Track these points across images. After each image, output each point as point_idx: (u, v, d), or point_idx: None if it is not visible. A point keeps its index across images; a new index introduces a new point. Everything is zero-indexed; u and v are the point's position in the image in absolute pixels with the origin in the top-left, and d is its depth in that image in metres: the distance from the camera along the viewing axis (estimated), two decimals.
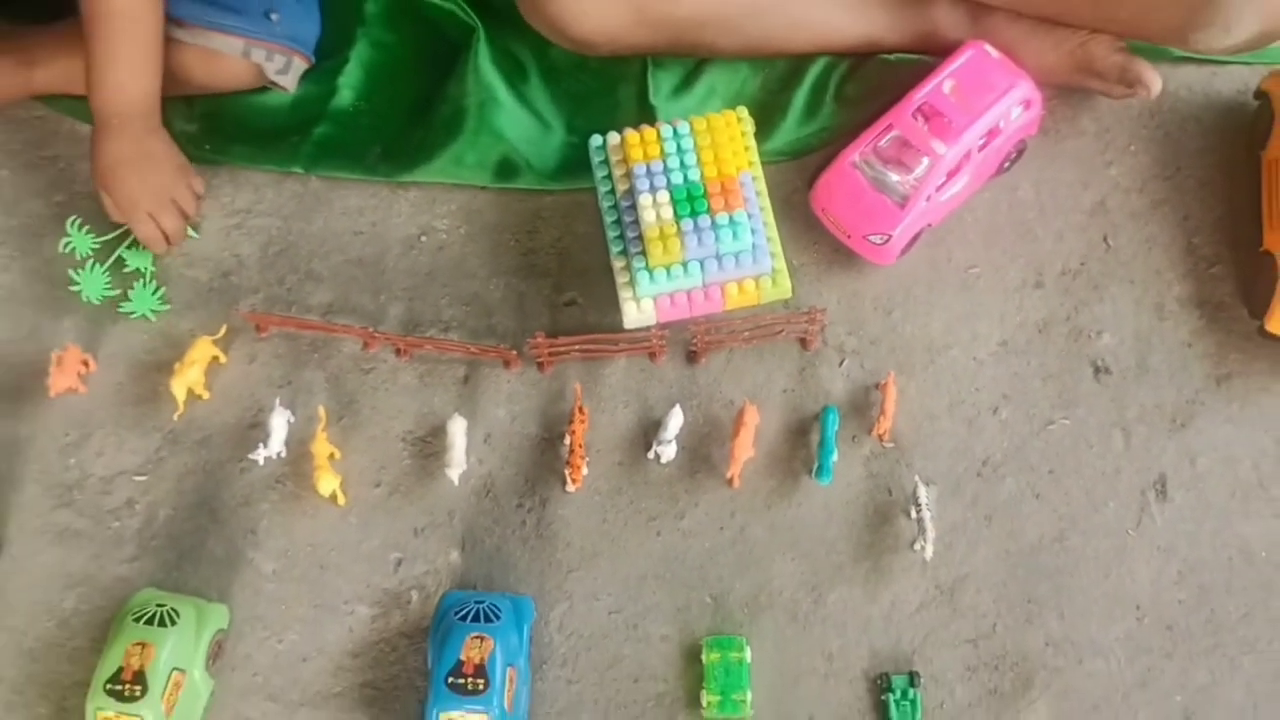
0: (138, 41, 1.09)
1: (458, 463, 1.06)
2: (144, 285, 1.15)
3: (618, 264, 1.09)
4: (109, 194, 1.12)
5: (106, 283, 1.15)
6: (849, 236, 1.13)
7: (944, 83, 1.11)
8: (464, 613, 0.98)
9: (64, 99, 1.24)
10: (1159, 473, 1.08)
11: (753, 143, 1.12)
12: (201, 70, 1.17)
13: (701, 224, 1.04)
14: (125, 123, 1.11)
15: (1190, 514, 1.06)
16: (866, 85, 1.20)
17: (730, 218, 1.04)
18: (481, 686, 0.95)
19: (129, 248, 1.16)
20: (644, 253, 1.05)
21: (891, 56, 1.20)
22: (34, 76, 1.22)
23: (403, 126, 1.22)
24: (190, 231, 1.17)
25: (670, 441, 1.07)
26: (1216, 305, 1.14)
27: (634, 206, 1.06)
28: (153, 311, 1.15)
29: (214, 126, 1.23)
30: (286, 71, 1.19)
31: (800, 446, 1.09)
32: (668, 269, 1.05)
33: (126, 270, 1.16)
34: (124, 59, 1.10)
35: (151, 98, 1.13)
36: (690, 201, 1.05)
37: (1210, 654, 1.01)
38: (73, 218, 1.16)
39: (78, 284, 1.14)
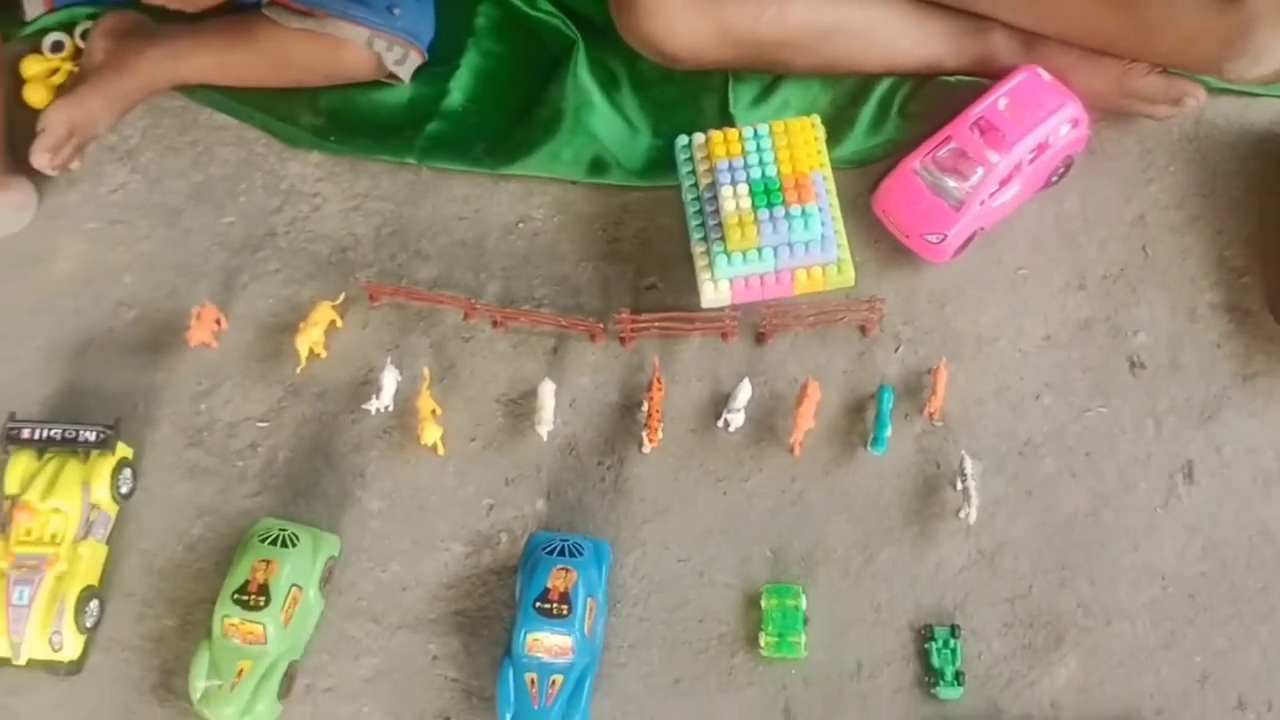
0: None
1: (546, 421, 1.18)
2: None
3: (698, 249, 1.21)
4: None
5: None
6: (908, 236, 1.25)
7: (999, 100, 1.23)
8: (551, 548, 1.10)
9: (203, 90, 1.39)
10: (1187, 459, 1.18)
11: (824, 147, 1.24)
12: (327, 59, 1.31)
13: (776, 214, 1.17)
14: None
15: (1215, 497, 1.16)
16: (928, 103, 1.32)
17: (802, 209, 1.16)
18: (565, 612, 1.06)
19: None
20: (723, 238, 1.17)
21: (952, 79, 1.32)
22: (179, 68, 1.37)
23: (506, 125, 1.36)
24: None
25: (739, 410, 1.18)
26: (1245, 312, 1.24)
27: (715, 197, 1.19)
28: None
29: (338, 121, 1.37)
30: (403, 63, 1.34)
31: (857, 422, 1.20)
32: (744, 253, 1.17)
33: None
34: None
35: None
36: (767, 194, 1.17)
37: (1229, 622, 1.11)
38: None
39: None
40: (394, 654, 1.13)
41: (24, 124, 1.35)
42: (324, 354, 1.25)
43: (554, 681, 1.06)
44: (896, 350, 1.24)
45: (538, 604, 1.06)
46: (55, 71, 1.41)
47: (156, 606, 1.16)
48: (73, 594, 1.11)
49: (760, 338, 1.24)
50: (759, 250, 1.17)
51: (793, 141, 1.20)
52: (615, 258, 1.30)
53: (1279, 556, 1.13)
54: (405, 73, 1.35)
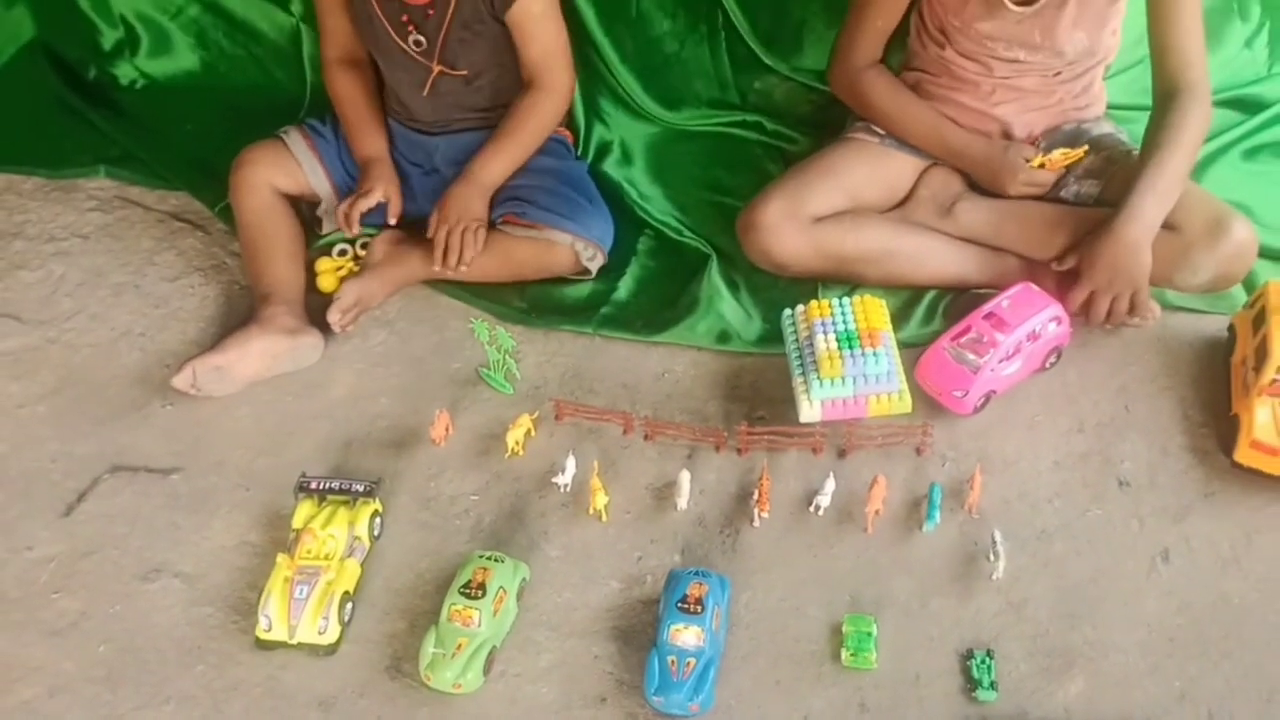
0: None
1: (684, 497, 1.62)
2: (505, 364, 1.78)
3: (798, 380, 1.70)
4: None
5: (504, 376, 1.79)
6: (940, 394, 1.71)
7: (1003, 301, 1.73)
8: (689, 571, 1.51)
9: (445, 283, 1.96)
10: (1164, 546, 1.57)
11: (888, 316, 1.74)
12: (543, 257, 1.88)
13: (856, 353, 1.66)
14: None
15: (1186, 573, 1.54)
16: (960, 306, 1.83)
17: (874, 351, 1.66)
18: (700, 610, 1.45)
19: (496, 342, 1.76)
20: (817, 369, 1.66)
21: (979, 291, 1.84)
22: (433, 267, 1.94)
23: (658, 309, 1.89)
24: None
25: (827, 495, 1.61)
26: (1205, 451, 1.67)
27: (811, 344, 1.69)
28: (505, 383, 1.78)
29: (537, 305, 1.91)
30: (593, 260, 1.90)
31: (914, 512, 1.62)
32: (832, 380, 1.65)
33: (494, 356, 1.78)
34: None
35: None
36: (849, 340, 1.67)
37: (1199, 658, 1.45)
38: (479, 322, 1.76)
39: (491, 376, 1.80)
40: (566, 653, 1.51)
41: (313, 302, 1.92)
42: (521, 453, 1.72)
43: (689, 664, 1.43)
44: (944, 466, 1.68)
45: (679, 605, 1.46)
46: (340, 269, 2.00)
47: (392, 614, 1.56)
48: (337, 595, 1.53)
49: (841, 453, 1.69)
50: (843, 378, 1.65)
51: (867, 309, 1.72)
52: (734, 398, 1.78)
53: (1235, 615, 1.49)
54: (594, 267, 1.91)
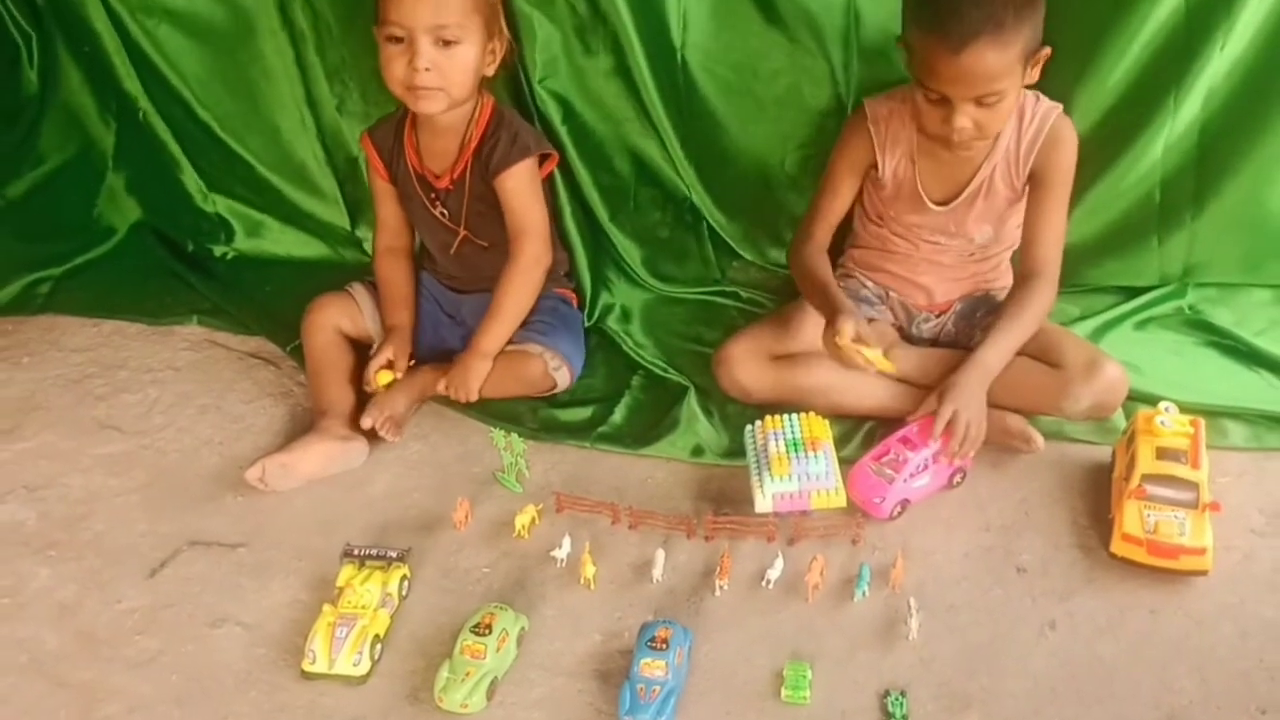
0: None
1: (658, 569, 1.98)
2: (516, 469, 2.18)
3: (755, 479, 2.08)
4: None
5: (515, 476, 2.19)
6: (863, 503, 2.08)
7: (914, 427, 2.12)
8: (659, 621, 1.85)
9: (463, 405, 2.38)
10: (1052, 618, 1.90)
11: (829, 432, 2.14)
12: (522, 368, 2.32)
13: (801, 457, 2.05)
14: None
15: (1069, 638, 1.86)
16: (891, 429, 2.23)
17: (816, 455, 2.05)
18: (665, 648, 1.79)
19: (510, 446, 2.18)
20: (770, 469, 2.05)
21: (907, 418, 2.24)
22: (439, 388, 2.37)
23: (645, 429, 2.30)
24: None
25: (776, 570, 1.96)
26: (1090, 548, 2.02)
27: (765, 449, 2.08)
28: (516, 483, 2.18)
29: (546, 425, 2.33)
30: (559, 371, 2.34)
31: (848, 586, 1.97)
32: (782, 477, 2.04)
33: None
34: None
35: None
36: (795, 446, 2.06)
37: (1075, 703, 1.76)
38: (497, 431, 2.20)
39: (504, 478, 2.20)
40: (555, 688, 1.83)
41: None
42: (527, 536, 2.09)
43: (654, 691, 1.75)
44: (873, 553, 2.03)
45: (649, 643, 1.80)
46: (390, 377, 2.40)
47: (413, 655, 1.90)
48: (370, 637, 1.87)
49: (790, 541, 2.05)
50: (790, 476, 2.04)
51: (811, 424, 2.12)
52: (703, 498, 2.16)
53: (1107, 671, 1.81)
54: (561, 380, 2.35)
